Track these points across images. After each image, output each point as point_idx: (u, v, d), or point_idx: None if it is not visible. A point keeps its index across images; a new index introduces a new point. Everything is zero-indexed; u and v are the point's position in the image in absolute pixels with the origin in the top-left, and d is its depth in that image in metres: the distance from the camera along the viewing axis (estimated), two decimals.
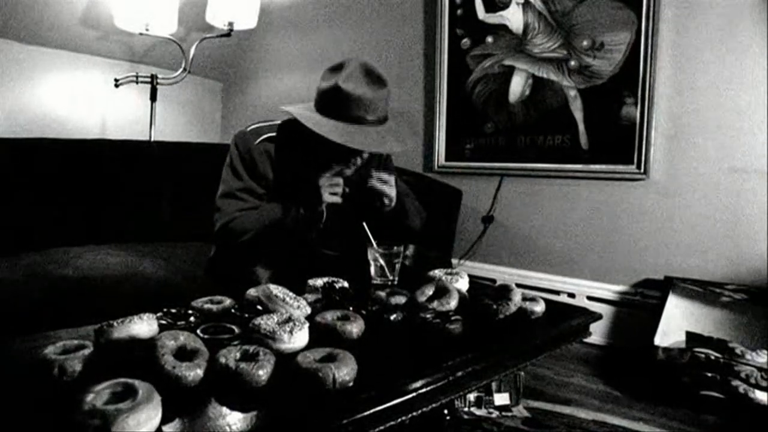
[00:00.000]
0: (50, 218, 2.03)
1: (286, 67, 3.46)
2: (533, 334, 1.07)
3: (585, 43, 2.27)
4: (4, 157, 2.00)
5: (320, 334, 0.90)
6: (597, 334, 2.20)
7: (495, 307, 1.06)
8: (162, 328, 0.87)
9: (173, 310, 0.97)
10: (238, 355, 0.75)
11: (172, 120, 3.48)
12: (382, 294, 1.10)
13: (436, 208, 1.98)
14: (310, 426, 0.68)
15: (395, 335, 0.98)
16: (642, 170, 2.16)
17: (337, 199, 1.37)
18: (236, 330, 0.90)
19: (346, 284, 1.16)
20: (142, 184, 2.30)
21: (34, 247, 1.88)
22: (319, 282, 1.17)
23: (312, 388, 0.72)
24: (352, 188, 1.41)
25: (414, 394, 0.78)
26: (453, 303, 1.08)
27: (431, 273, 1.24)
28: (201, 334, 0.87)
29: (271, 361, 0.75)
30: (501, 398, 1.60)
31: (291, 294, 1.03)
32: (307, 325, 0.88)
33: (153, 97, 2.98)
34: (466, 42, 2.63)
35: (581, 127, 2.31)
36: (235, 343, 0.83)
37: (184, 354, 0.75)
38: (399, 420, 0.75)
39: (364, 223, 1.34)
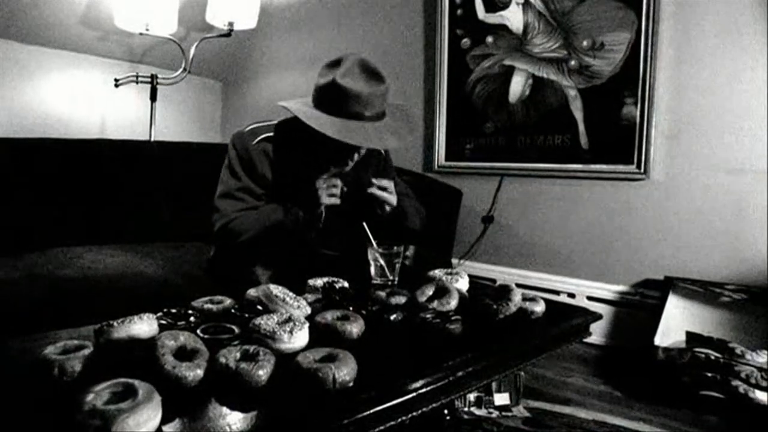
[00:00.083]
0: (50, 218, 2.03)
1: (286, 67, 3.46)
2: (533, 334, 1.07)
3: (585, 43, 2.27)
4: (4, 157, 1.99)
5: (320, 334, 0.90)
6: (597, 334, 2.20)
7: (495, 307, 1.06)
8: (162, 328, 0.87)
9: (173, 310, 0.97)
10: (238, 355, 0.75)
11: (172, 120, 3.48)
12: (382, 294, 1.10)
13: (436, 208, 1.98)
14: (310, 426, 0.68)
15: (395, 335, 0.98)
16: (642, 170, 2.16)
17: (336, 201, 1.37)
18: (236, 330, 0.90)
19: (346, 284, 1.16)
20: (142, 184, 2.30)
21: (34, 247, 1.88)
22: (319, 282, 1.17)
23: (312, 388, 0.72)
24: (351, 189, 1.41)
25: (414, 394, 0.78)
26: (453, 303, 1.08)
27: (431, 273, 1.24)
28: (201, 334, 0.87)
29: (271, 361, 0.75)
30: (501, 398, 1.60)
31: (291, 294, 1.03)
32: (307, 325, 0.88)
33: (153, 97, 2.99)
34: (466, 42, 2.63)
35: (581, 127, 2.31)
36: (235, 343, 0.83)
37: (184, 354, 0.75)
38: (399, 420, 0.75)
39: (364, 223, 1.34)
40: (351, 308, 1.03)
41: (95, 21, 2.93)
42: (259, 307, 0.99)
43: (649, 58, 2.10)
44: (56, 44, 2.95)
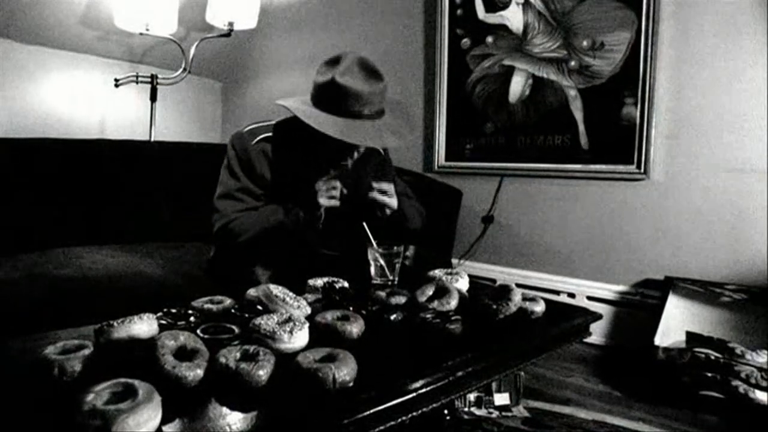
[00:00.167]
0: (50, 218, 2.03)
1: (286, 67, 3.46)
2: (533, 334, 1.07)
3: (585, 43, 2.27)
4: (4, 157, 2.00)
5: (320, 334, 0.90)
6: (597, 334, 2.20)
7: (495, 307, 1.06)
8: (162, 328, 0.87)
9: (173, 310, 0.97)
10: (238, 355, 0.75)
11: (172, 120, 3.48)
12: (382, 294, 1.10)
13: (436, 208, 1.98)
14: (310, 426, 0.68)
15: (395, 335, 0.98)
16: (642, 170, 2.16)
17: (335, 203, 1.37)
18: (236, 330, 0.90)
19: (346, 284, 1.16)
20: (142, 184, 2.30)
21: (34, 247, 1.88)
22: (319, 282, 1.17)
23: (312, 388, 0.72)
24: (350, 190, 1.41)
25: (414, 394, 0.78)
26: (453, 303, 1.08)
27: (431, 273, 1.24)
28: (201, 334, 0.87)
29: (271, 361, 0.75)
30: (501, 398, 1.60)
31: (291, 294, 1.03)
32: (307, 325, 0.88)
33: (153, 97, 2.99)
34: (466, 42, 2.63)
35: (581, 127, 2.31)
36: (235, 343, 0.83)
37: (184, 354, 0.75)
38: (399, 420, 0.75)
39: (364, 223, 1.34)
40: (351, 308, 1.03)
41: (95, 21, 2.93)
42: (259, 307, 0.99)
43: (649, 58, 2.10)
44: (56, 44, 2.95)
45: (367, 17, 3.04)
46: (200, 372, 0.72)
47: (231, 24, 2.88)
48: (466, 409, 1.57)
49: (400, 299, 1.08)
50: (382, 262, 1.28)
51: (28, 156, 2.06)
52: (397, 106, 1.46)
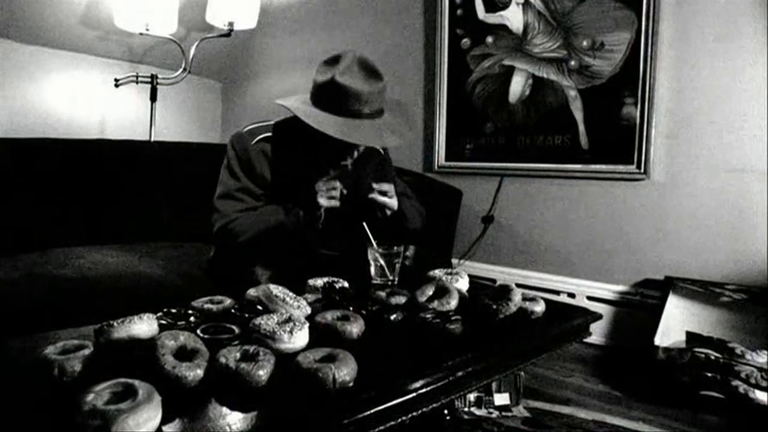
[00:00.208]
0: (50, 218, 2.03)
1: (286, 67, 3.46)
2: (533, 334, 1.07)
3: (585, 43, 2.27)
4: (4, 157, 2.00)
5: (320, 334, 0.90)
6: (597, 334, 2.20)
7: (495, 307, 1.06)
8: (162, 328, 0.87)
9: (173, 310, 0.97)
10: (238, 355, 0.75)
11: (172, 120, 3.48)
12: (382, 294, 1.10)
13: (436, 208, 1.98)
14: (310, 426, 0.68)
15: (395, 335, 0.98)
16: (642, 170, 2.16)
17: (335, 204, 1.37)
18: (236, 330, 0.90)
19: (346, 284, 1.16)
20: (142, 184, 2.30)
21: (34, 247, 1.88)
22: (319, 282, 1.17)
23: (312, 388, 0.72)
24: (350, 191, 1.40)
25: (414, 394, 0.78)
26: (453, 303, 1.08)
27: (431, 273, 1.24)
28: (201, 334, 0.87)
29: (271, 361, 0.75)
30: (501, 398, 1.60)
31: (291, 294, 1.03)
32: (307, 325, 0.88)
33: (153, 97, 2.98)
34: (466, 42, 2.63)
35: (581, 127, 2.31)
36: (235, 343, 0.83)
37: (184, 354, 0.75)
38: (399, 420, 0.75)
39: (364, 223, 1.34)
40: (351, 308, 1.03)
41: (95, 21, 2.93)
42: (259, 307, 0.99)
43: (649, 58, 2.10)
44: (56, 44, 2.95)
45: (367, 17, 3.04)
46: (200, 372, 0.72)
47: (231, 24, 2.88)
48: (466, 409, 1.57)
49: (400, 299, 1.08)
50: (382, 262, 1.28)
51: (28, 156, 2.06)
52: (396, 105, 1.46)
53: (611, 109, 2.21)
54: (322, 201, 1.35)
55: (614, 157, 2.23)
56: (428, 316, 1.00)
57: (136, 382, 0.63)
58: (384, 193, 1.42)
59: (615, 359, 2.11)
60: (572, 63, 2.31)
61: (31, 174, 2.03)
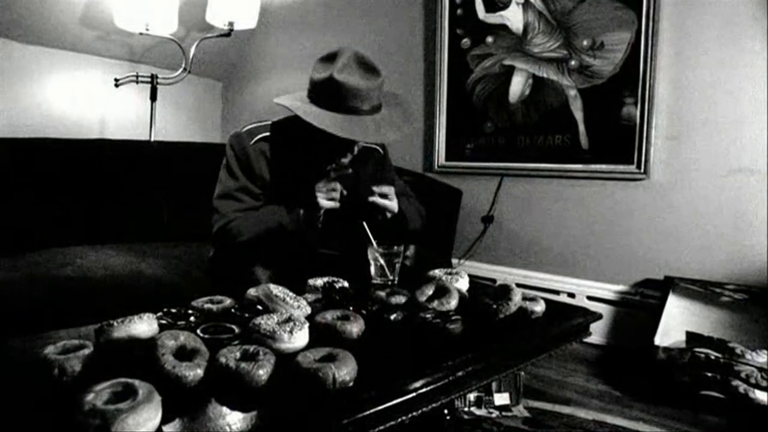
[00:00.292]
0: (50, 218, 2.03)
1: (286, 67, 3.46)
2: (533, 334, 1.07)
3: (585, 43, 2.27)
4: (4, 157, 2.00)
5: (320, 334, 0.90)
6: (597, 334, 2.20)
7: (495, 307, 1.06)
8: (162, 328, 0.87)
9: (173, 310, 0.98)
10: (238, 355, 0.75)
11: (172, 120, 3.48)
12: (382, 294, 1.10)
13: (436, 208, 1.98)
14: (310, 426, 0.68)
15: (395, 335, 0.98)
16: (642, 170, 2.16)
17: (335, 205, 1.37)
18: (236, 330, 0.90)
19: (346, 284, 1.16)
20: (142, 184, 2.30)
21: (34, 247, 1.88)
22: (319, 282, 1.17)
23: (312, 388, 0.72)
24: (350, 192, 1.40)
25: (414, 394, 0.78)
26: (453, 303, 1.08)
27: (431, 273, 1.24)
28: (201, 334, 0.87)
29: (271, 361, 0.75)
30: (501, 398, 1.60)
31: (291, 294, 1.03)
32: (307, 325, 0.88)
33: (153, 97, 2.98)
34: (466, 42, 2.63)
35: (581, 127, 2.31)
36: (235, 343, 0.83)
37: (184, 354, 0.75)
38: (399, 420, 0.75)
39: (364, 223, 1.34)
40: (351, 308, 1.03)
41: (95, 21, 2.93)
42: (259, 307, 0.99)
43: (649, 58, 2.10)
44: (56, 44, 2.95)
45: (367, 17, 3.04)
46: (200, 372, 0.72)
47: (231, 24, 2.88)
48: (466, 409, 1.57)
49: (400, 299, 1.08)
50: (382, 262, 1.28)
51: (29, 156, 2.06)
52: (394, 99, 1.46)
53: (611, 108, 2.21)
54: (322, 202, 1.35)
55: (614, 157, 2.23)
56: (428, 316, 1.00)
57: (136, 382, 0.63)
58: (384, 196, 1.42)
59: (615, 359, 2.11)
60: (572, 63, 2.31)
61: (31, 174, 2.03)
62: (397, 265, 1.30)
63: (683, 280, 2.03)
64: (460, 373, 0.85)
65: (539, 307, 1.11)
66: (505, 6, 2.49)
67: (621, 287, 2.26)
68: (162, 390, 0.64)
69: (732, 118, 1.99)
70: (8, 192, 1.96)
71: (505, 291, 1.09)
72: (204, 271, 1.64)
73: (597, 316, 1.19)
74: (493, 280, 2.53)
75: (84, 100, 3.10)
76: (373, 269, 1.30)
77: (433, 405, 0.82)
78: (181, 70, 3.02)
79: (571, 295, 2.37)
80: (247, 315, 0.97)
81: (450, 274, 1.23)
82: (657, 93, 2.11)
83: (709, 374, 1.64)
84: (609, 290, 2.28)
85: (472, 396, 1.58)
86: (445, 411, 1.48)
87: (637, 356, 1.97)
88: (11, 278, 1.55)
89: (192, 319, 0.95)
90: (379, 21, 2.99)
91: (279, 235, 1.37)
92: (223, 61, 3.63)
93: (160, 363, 0.71)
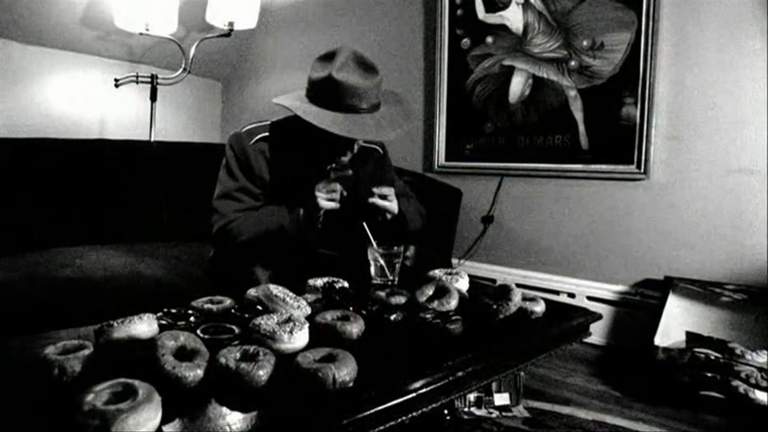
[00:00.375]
0: (50, 218, 2.03)
1: (286, 67, 3.46)
2: (533, 334, 1.07)
3: (585, 43, 2.27)
4: (4, 157, 2.00)
5: (320, 334, 0.90)
6: (597, 334, 2.20)
7: (495, 307, 1.06)
8: (162, 328, 0.87)
9: (173, 310, 0.97)
10: (238, 355, 0.75)
11: (172, 120, 3.48)
12: (382, 294, 1.10)
13: (436, 208, 1.98)
14: (310, 426, 0.68)
15: (395, 335, 0.98)
16: (642, 170, 2.16)
17: (335, 206, 1.37)
18: (236, 330, 0.90)
19: (346, 284, 1.16)
20: (142, 184, 2.30)
21: (34, 247, 1.88)
22: (319, 282, 1.17)
23: (312, 388, 0.72)
24: (350, 193, 1.40)
25: (414, 394, 0.78)
26: (453, 303, 1.08)
27: (431, 273, 1.24)
28: (201, 334, 0.87)
29: (271, 361, 0.75)
30: (501, 398, 1.60)
31: (291, 294, 1.03)
32: (307, 325, 0.88)
33: (153, 97, 2.98)
34: (466, 42, 2.63)
35: (581, 127, 2.31)
36: (235, 343, 0.83)
37: (184, 354, 0.75)
38: (399, 420, 0.75)
39: (364, 223, 1.34)
40: (351, 308, 1.03)
41: (95, 21, 2.93)
42: (259, 307, 0.99)
43: (649, 58, 2.10)
44: (56, 44, 2.95)
45: (367, 17, 3.04)
46: (200, 372, 0.72)
47: (231, 24, 2.88)
48: (466, 409, 1.57)
49: (400, 299, 1.08)
50: (382, 262, 1.28)
51: (28, 156, 2.06)
52: (392, 97, 1.46)
53: (611, 109, 2.21)
54: (322, 203, 1.35)
55: (614, 157, 2.23)
56: (428, 316, 1.00)
57: (136, 382, 0.63)
58: (384, 197, 1.42)
59: (615, 359, 2.11)
60: (572, 63, 2.31)
61: (31, 174, 2.03)
62: (397, 266, 1.30)
63: (683, 280, 2.03)
64: (460, 374, 0.85)
65: (539, 308, 1.11)
66: (505, 6, 2.49)
67: (621, 287, 2.26)
68: (162, 390, 0.64)
69: (732, 119, 1.99)
70: (8, 192, 1.96)
71: (505, 291, 1.09)
72: (204, 271, 1.64)
73: (597, 317, 1.19)
74: (493, 280, 2.53)
75: (84, 101, 3.10)
76: (373, 269, 1.30)
77: (433, 405, 0.82)
78: (180, 70, 3.02)
79: (571, 296, 2.37)
80: (247, 315, 0.97)
81: (450, 274, 1.23)
82: (657, 93, 2.11)
83: (709, 374, 1.64)
84: (609, 290, 2.28)
85: (472, 396, 1.58)
86: (445, 411, 1.48)
87: (636, 356, 1.97)
88: (11, 278, 1.55)
89: (192, 319, 0.95)
90: (379, 21, 2.99)
91: (279, 236, 1.37)
92: (223, 61, 3.63)
93: (160, 363, 0.71)
